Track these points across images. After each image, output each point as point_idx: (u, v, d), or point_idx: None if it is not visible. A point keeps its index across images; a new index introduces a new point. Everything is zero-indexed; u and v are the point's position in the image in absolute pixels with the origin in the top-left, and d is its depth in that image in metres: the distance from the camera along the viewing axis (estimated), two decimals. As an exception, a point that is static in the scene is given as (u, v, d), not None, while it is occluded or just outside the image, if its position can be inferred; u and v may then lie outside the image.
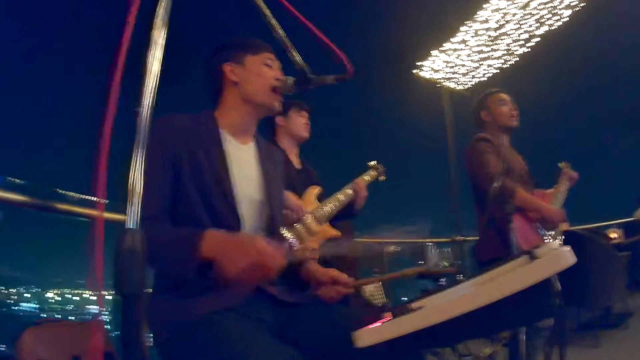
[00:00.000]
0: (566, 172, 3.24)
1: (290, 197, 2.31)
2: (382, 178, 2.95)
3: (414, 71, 9.25)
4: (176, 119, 1.50)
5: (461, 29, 8.75)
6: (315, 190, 2.61)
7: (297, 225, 2.29)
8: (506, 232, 2.30)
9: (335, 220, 2.61)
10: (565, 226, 2.96)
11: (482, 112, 3.10)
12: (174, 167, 1.43)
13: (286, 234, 2.14)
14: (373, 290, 3.06)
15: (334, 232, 2.53)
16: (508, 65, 9.23)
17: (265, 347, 1.23)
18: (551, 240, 2.71)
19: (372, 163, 2.94)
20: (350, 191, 2.67)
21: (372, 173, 2.89)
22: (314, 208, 2.48)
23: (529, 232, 2.75)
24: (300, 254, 1.35)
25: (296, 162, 2.74)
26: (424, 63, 9.14)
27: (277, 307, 1.47)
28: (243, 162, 1.59)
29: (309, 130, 2.76)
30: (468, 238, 6.45)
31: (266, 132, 2.74)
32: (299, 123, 2.72)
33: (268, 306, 1.46)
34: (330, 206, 2.52)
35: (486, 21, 8.57)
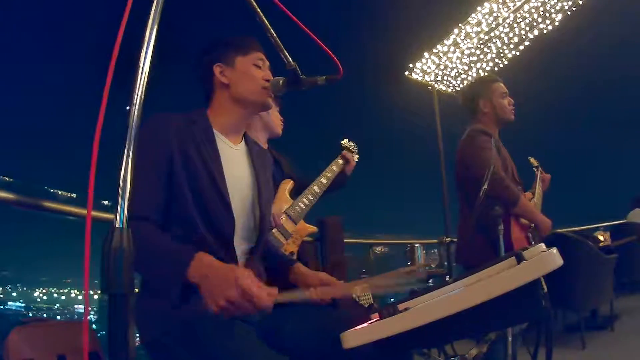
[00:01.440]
0: (539, 175, 3.19)
1: None
2: (356, 157, 2.82)
3: (406, 73, 9.27)
4: (169, 117, 1.49)
5: (453, 31, 8.79)
6: (287, 186, 2.51)
7: (274, 230, 2.23)
8: (495, 235, 2.23)
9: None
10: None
11: (480, 101, 2.88)
12: (168, 166, 1.42)
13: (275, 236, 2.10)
14: (360, 291, 3.05)
15: (310, 229, 2.47)
16: (498, 69, 9.27)
17: (252, 347, 1.23)
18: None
19: (345, 141, 2.83)
20: (324, 180, 2.57)
21: (350, 151, 2.80)
22: (287, 207, 2.40)
23: (522, 241, 2.67)
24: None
25: None
26: (415, 65, 9.17)
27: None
28: (235, 162, 1.59)
29: (282, 126, 2.65)
30: (456, 239, 6.46)
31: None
32: (277, 118, 2.61)
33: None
34: (304, 202, 2.45)
35: (478, 24, 8.61)
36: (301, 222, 2.43)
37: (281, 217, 2.31)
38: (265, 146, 2.57)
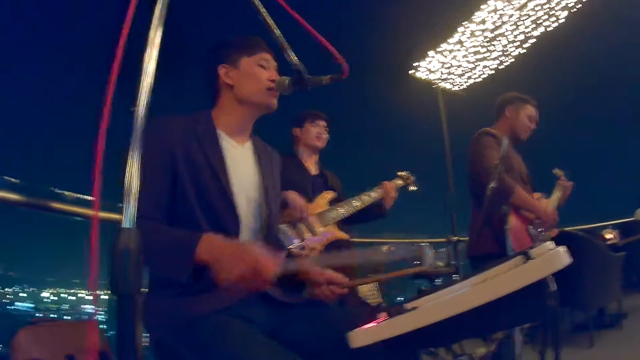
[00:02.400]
0: (560, 182, 3.24)
1: (295, 197, 2.32)
2: (412, 188, 3.14)
3: (411, 72, 9.25)
4: (174, 119, 1.50)
5: (458, 29, 8.75)
6: (328, 195, 2.70)
7: (300, 224, 2.31)
8: (501, 232, 2.29)
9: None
10: (554, 232, 2.96)
11: (508, 107, 3.07)
12: (172, 167, 1.43)
13: (285, 229, 2.16)
14: (368, 291, 3.07)
15: (340, 234, 2.58)
16: (504, 67, 9.24)
17: (259, 347, 1.23)
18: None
19: (402, 173, 3.12)
20: (366, 197, 2.78)
21: (399, 182, 3.06)
22: (322, 210, 2.55)
23: (521, 234, 2.75)
24: (299, 264, 1.34)
25: (313, 169, 2.86)
26: (420, 64, 9.15)
27: (272, 307, 1.47)
28: (240, 162, 1.59)
29: (323, 139, 2.91)
30: (463, 238, 6.45)
31: (287, 143, 2.95)
32: (313, 133, 2.87)
33: (263, 306, 1.46)
34: (338, 210, 2.60)
35: (483, 22, 8.58)
36: (333, 227, 2.59)
37: (311, 217, 2.39)
38: (311, 160, 2.89)
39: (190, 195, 1.43)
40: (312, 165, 2.87)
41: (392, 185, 2.97)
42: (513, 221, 2.68)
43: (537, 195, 3.01)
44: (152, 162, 1.38)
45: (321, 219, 2.50)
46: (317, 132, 2.89)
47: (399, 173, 3.13)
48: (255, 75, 1.59)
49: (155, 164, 1.40)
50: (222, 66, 1.61)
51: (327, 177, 2.87)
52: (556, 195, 3.16)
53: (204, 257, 1.24)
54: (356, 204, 2.71)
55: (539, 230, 2.80)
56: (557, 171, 3.35)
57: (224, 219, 1.46)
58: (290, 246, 2.25)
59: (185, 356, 1.30)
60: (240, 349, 1.22)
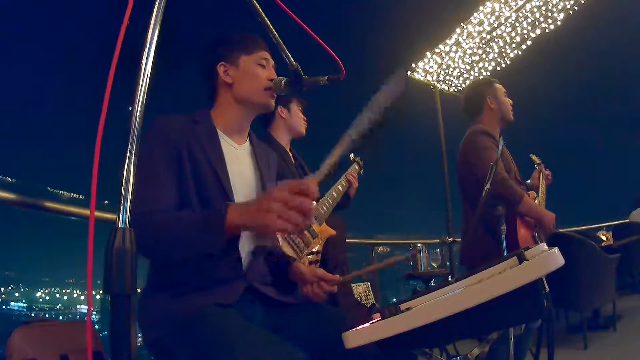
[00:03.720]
0: (541, 171, 3.21)
1: None
2: (361, 171, 2.99)
3: (408, 73, 9.25)
4: (174, 118, 1.50)
5: (455, 30, 8.76)
6: None
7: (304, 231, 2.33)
8: (499, 236, 2.24)
9: (332, 211, 2.65)
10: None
11: (488, 99, 2.95)
12: (177, 164, 1.43)
13: (292, 237, 2.18)
14: (361, 291, 3.08)
15: (331, 231, 2.56)
16: (500, 68, 9.25)
17: (255, 345, 1.22)
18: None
19: (353, 156, 2.95)
20: (341, 187, 2.71)
21: (356, 167, 2.93)
22: None
23: (528, 240, 2.68)
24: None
25: (291, 156, 2.73)
26: (417, 65, 9.16)
27: (268, 307, 1.48)
28: (239, 161, 1.59)
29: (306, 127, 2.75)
30: (458, 239, 6.46)
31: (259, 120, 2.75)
32: (300, 119, 2.70)
33: (259, 306, 1.46)
34: (326, 205, 2.56)
35: (480, 23, 8.59)
36: (324, 225, 2.53)
37: None
38: (288, 147, 2.69)
39: (191, 194, 1.43)
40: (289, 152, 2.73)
41: (355, 175, 2.87)
42: (521, 230, 2.65)
43: (531, 194, 2.98)
44: (160, 159, 1.38)
45: (317, 219, 2.48)
46: (304, 118, 2.74)
47: (353, 157, 2.96)
48: (255, 74, 1.59)
49: (162, 159, 1.39)
50: (221, 64, 1.60)
51: (304, 166, 2.74)
52: (542, 188, 3.13)
53: (237, 221, 1.21)
54: (335, 195, 2.66)
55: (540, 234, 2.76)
56: (534, 158, 3.33)
57: None
58: (302, 254, 2.27)
59: (182, 356, 1.29)
60: (239, 349, 1.21)
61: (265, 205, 1.14)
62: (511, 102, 2.97)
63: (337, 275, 1.64)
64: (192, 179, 1.44)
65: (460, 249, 2.91)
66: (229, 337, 1.23)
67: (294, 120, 2.67)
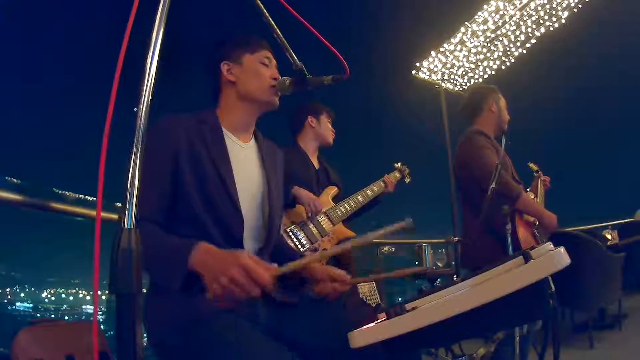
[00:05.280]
0: (539, 177, 3.21)
1: (308, 194, 2.37)
2: (407, 180, 3.13)
3: (412, 72, 9.24)
4: (178, 118, 1.50)
5: (460, 29, 8.74)
6: (332, 191, 2.69)
7: (310, 226, 2.33)
8: (503, 235, 2.24)
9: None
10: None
11: (490, 101, 2.96)
12: (174, 166, 1.43)
13: (295, 231, 2.18)
14: (367, 291, 3.07)
15: (349, 233, 2.58)
16: (505, 67, 9.22)
17: (259, 347, 1.23)
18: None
19: (398, 164, 3.11)
20: (370, 192, 2.79)
21: (397, 175, 3.06)
22: (328, 208, 2.55)
23: (529, 238, 2.67)
24: (304, 262, 1.33)
25: (316, 162, 2.83)
26: (422, 64, 9.14)
27: (273, 307, 1.48)
28: (244, 161, 1.59)
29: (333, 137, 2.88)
30: (461, 242, 6.42)
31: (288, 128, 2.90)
32: (328, 129, 2.85)
33: (264, 306, 1.46)
34: (345, 207, 2.61)
35: (484, 22, 8.56)
36: (340, 225, 2.59)
37: (320, 217, 2.47)
38: (314, 154, 2.82)
39: (194, 195, 1.43)
40: (314, 159, 2.83)
41: (392, 180, 2.97)
42: (521, 229, 2.64)
43: (530, 194, 2.97)
44: (154, 164, 1.38)
45: (329, 217, 2.51)
46: (332, 129, 2.87)
47: (396, 165, 3.11)
48: (258, 72, 1.60)
49: (158, 166, 1.40)
50: (224, 63, 1.61)
51: (328, 171, 2.84)
52: (540, 191, 3.13)
53: (195, 265, 1.24)
54: (360, 199, 2.72)
55: (541, 234, 2.75)
56: (532, 165, 3.33)
57: (228, 219, 1.46)
58: (302, 249, 2.28)
59: (188, 356, 1.30)
60: (243, 350, 1.21)
61: (228, 262, 1.17)
62: (509, 118, 3.00)
63: (350, 277, 1.64)
64: (195, 180, 1.44)
65: (462, 250, 2.86)
66: (232, 339, 1.24)
67: (322, 129, 2.82)
